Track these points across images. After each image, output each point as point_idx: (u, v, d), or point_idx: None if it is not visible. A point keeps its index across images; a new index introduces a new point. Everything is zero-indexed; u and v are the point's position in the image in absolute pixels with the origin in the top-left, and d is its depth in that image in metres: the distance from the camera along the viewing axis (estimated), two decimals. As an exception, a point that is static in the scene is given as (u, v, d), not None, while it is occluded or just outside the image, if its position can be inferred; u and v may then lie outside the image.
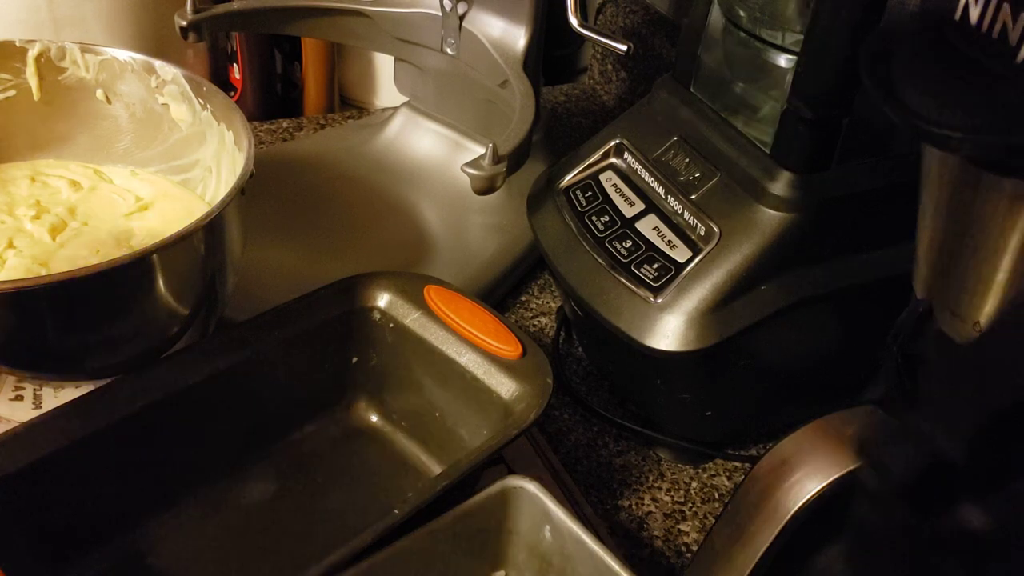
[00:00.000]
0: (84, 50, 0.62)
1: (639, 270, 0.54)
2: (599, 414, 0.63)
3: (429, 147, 0.78)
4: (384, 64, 0.84)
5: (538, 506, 0.47)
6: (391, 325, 0.56)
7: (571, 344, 0.69)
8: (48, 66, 0.62)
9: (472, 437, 0.54)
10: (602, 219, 0.57)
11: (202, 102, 0.61)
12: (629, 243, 0.55)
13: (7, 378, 0.51)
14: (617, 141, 0.60)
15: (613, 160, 0.60)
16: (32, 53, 0.61)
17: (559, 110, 0.98)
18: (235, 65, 0.96)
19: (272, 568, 0.50)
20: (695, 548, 0.56)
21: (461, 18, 0.71)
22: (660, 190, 0.56)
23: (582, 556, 0.46)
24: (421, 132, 0.79)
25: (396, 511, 0.44)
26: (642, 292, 0.53)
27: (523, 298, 0.73)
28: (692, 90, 0.58)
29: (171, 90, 0.62)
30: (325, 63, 0.93)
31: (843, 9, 0.45)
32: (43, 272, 0.54)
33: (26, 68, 0.61)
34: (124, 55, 0.62)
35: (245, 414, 0.53)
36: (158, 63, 0.62)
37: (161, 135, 0.64)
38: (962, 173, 0.35)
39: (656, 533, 0.57)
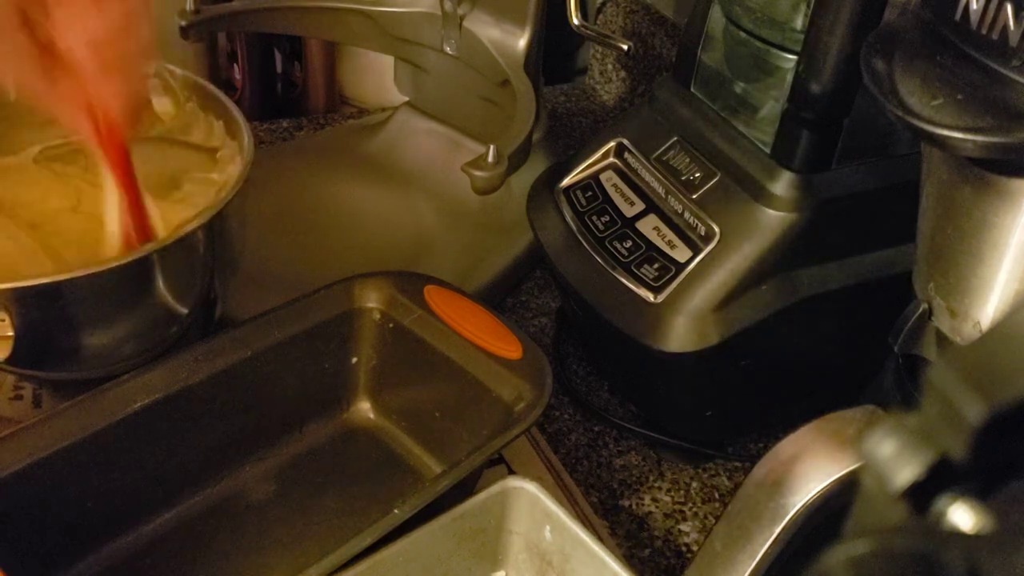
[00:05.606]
0: None
1: (639, 270, 0.54)
2: (599, 414, 0.63)
3: (429, 147, 0.78)
4: (384, 64, 0.84)
5: (538, 506, 0.47)
6: (391, 325, 0.56)
7: (571, 344, 0.69)
8: None
9: (472, 437, 0.54)
10: (602, 219, 0.57)
11: (187, 94, 0.61)
12: (629, 243, 0.55)
13: (7, 378, 0.51)
14: (617, 141, 0.60)
15: (613, 160, 0.60)
16: None
17: (559, 110, 0.98)
18: (235, 65, 0.96)
19: (272, 568, 0.50)
20: (695, 548, 0.56)
21: (461, 18, 0.71)
22: (660, 190, 0.56)
23: (582, 556, 0.46)
24: (421, 132, 0.79)
25: (396, 511, 0.44)
26: (642, 292, 0.53)
27: (523, 298, 0.73)
28: (692, 90, 0.58)
29: (152, 84, 0.62)
30: (325, 63, 0.93)
31: (843, 9, 0.45)
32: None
33: None
34: None
35: (245, 414, 0.53)
36: None
37: (142, 129, 0.64)
38: (961, 173, 0.35)
39: (656, 533, 0.57)
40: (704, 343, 0.51)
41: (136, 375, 0.49)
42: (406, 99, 0.81)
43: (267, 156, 0.79)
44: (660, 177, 0.56)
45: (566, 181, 0.60)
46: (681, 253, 0.53)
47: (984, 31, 0.32)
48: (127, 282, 0.49)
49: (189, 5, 0.69)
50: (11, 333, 0.46)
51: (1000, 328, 0.19)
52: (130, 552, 0.50)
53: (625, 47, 0.64)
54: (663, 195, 0.56)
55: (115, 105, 0.48)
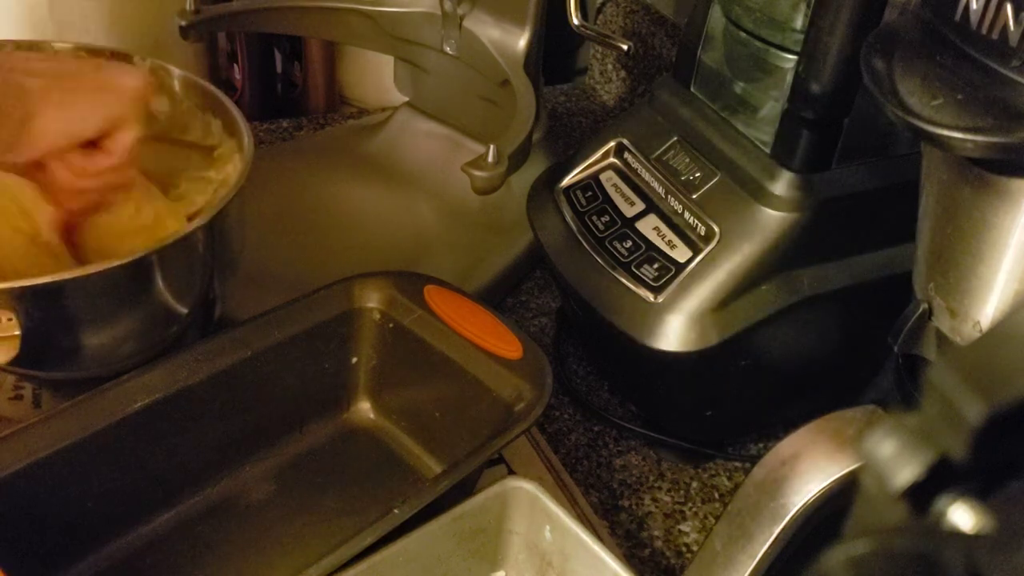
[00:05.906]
0: (56, 46, 0.61)
1: (639, 270, 0.54)
2: (599, 414, 0.63)
3: (429, 147, 0.78)
4: (384, 64, 0.84)
5: (538, 506, 0.47)
6: (391, 325, 0.56)
7: (571, 344, 0.69)
8: None
9: (472, 437, 0.54)
10: (602, 219, 0.57)
11: (184, 93, 0.61)
12: (629, 243, 0.55)
13: (7, 378, 0.51)
14: (617, 141, 0.60)
15: (613, 160, 0.60)
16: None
17: (559, 110, 0.98)
18: (235, 65, 0.96)
19: (272, 568, 0.50)
20: (695, 548, 0.56)
21: (461, 18, 0.71)
22: (660, 190, 0.56)
23: (582, 556, 0.46)
24: (421, 132, 0.79)
25: (396, 511, 0.44)
26: (642, 292, 0.53)
27: (523, 298, 0.73)
28: (692, 90, 0.58)
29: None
30: (325, 63, 0.93)
31: (843, 9, 0.45)
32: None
33: None
34: (96, 49, 0.61)
35: (245, 414, 0.53)
36: (136, 56, 0.61)
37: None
38: (961, 173, 0.35)
39: (656, 533, 0.57)
40: (704, 343, 0.51)
41: (136, 375, 0.49)
42: (406, 99, 0.81)
43: (267, 156, 0.79)
44: (660, 177, 0.56)
45: (566, 181, 0.60)
46: (681, 253, 0.53)
47: (984, 31, 0.32)
48: (127, 282, 0.49)
49: (189, 5, 0.69)
50: (18, 332, 0.46)
51: (1000, 328, 0.19)
52: (130, 552, 0.50)
53: (625, 47, 0.64)
54: (663, 195, 0.56)
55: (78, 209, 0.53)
